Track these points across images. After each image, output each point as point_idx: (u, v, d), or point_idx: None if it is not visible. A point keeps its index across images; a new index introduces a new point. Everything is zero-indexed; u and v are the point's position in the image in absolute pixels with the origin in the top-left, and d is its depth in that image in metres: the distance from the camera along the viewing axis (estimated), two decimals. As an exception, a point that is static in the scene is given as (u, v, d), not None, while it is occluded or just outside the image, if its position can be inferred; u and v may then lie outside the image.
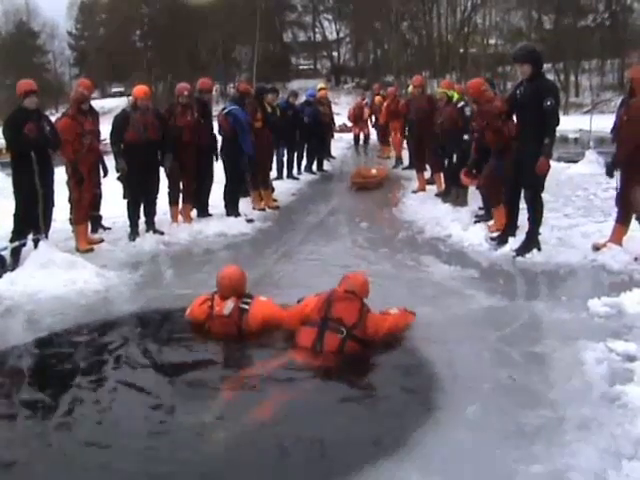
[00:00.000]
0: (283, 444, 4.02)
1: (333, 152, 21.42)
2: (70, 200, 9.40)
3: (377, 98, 21.20)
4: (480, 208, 10.53)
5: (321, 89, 19.68)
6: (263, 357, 5.41)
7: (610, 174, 8.32)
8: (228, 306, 5.77)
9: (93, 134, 9.56)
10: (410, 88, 15.62)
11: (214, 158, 11.24)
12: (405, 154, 17.97)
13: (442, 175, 12.60)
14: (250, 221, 11.19)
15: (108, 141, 10.15)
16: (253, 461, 3.89)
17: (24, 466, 3.89)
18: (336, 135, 22.11)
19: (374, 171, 16.46)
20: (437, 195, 12.62)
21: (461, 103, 11.23)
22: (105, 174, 10.24)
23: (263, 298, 5.93)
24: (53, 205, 8.76)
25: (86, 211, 9.51)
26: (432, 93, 15.02)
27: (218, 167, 11.42)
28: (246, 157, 11.20)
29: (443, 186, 12.51)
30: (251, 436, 4.12)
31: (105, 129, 10.18)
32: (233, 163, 11.28)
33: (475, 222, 9.96)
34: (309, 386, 4.84)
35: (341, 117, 27.61)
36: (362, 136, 23.40)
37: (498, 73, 44.32)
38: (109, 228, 10.53)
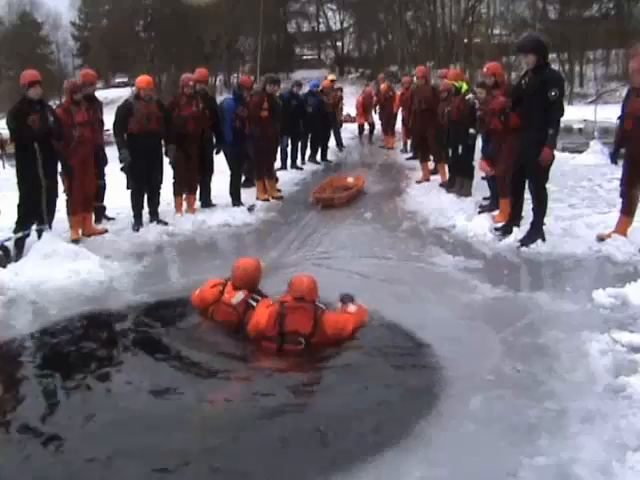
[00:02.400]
0: (285, 435, 4.03)
1: (338, 142, 21.37)
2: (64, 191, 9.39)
3: (383, 86, 21.11)
4: (485, 198, 10.52)
5: (332, 80, 20.07)
6: (261, 354, 5.38)
7: (614, 161, 8.33)
8: (238, 297, 5.75)
9: (87, 125, 9.37)
10: (414, 79, 15.57)
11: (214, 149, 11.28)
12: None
13: (446, 165, 12.59)
14: (251, 208, 11.29)
15: (111, 131, 10.12)
16: (255, 451, 3.88)
17: (27, 456, 3.90)
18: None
19: (350, 180, 13.86)
20: (441, 185, 12.59)
21: (469, 95, 11.15)
22: (105, 164, 10.22)
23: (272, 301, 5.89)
24: (57, 196, 8.77)
25: (77, 202, 9.37)
26: (436, 83, 14.89)
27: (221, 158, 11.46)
28: (241, 147, 11.26)
29: (447, 176, 12.49)
30: (253, 427, 4.12)
31: (108, 119, 10.18)
32: (231, 154, 11.35)
33: (479, 212, 9.94)
34: (309, 380, 4.85)
35: (345, 107, 27.47)
36: (367, 126, 23.31)
37: (502, 63, 44.09)
38: (113, 218, 10.54)
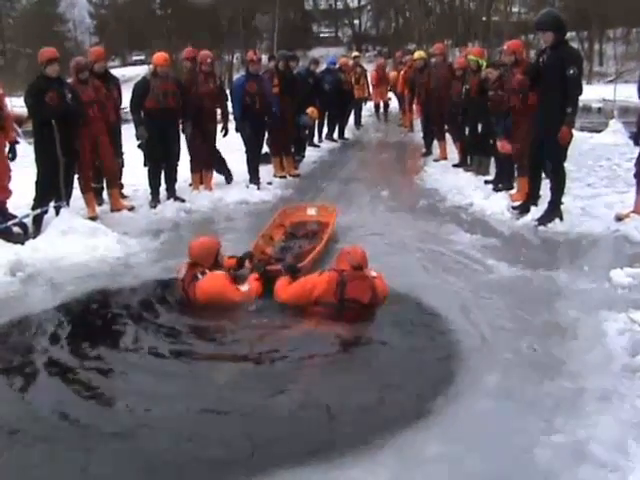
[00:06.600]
0: (298, 411, 4.06)
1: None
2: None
3: (392, 74, 21.00)
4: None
5: (356, 56, 20.85)
6: (278, 327, 5.42)
7: (637, 143, 8.26)
8: (181, 270, 6.02)
9: (94, 104, 9.23)
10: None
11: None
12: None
13: (459, 145, 12.51)
14: (268, 184, 11.46)
15: (128, 109, 10.12)
16: (268, 427, 3.90)
17: (42, 436, 3.90)
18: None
19: (312, 211, 8.84)
20: (455, 166, 12.49)
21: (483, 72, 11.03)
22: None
23: (218, 272, 5.96)
24: (74, 173, 8.80)
25: (88, 180, 9.41)
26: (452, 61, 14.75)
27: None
28: (254, 123, 11.29)
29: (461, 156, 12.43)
30: (270, 403, 4.15)
31: (125, 97, 10.18)
32: (242, 130, 11.40)
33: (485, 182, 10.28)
34: (325, 355, 4.84)
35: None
36: (382, 104, 23.23)
37: (523, 41, 43.52)
38: (129, 197, 10.57)
